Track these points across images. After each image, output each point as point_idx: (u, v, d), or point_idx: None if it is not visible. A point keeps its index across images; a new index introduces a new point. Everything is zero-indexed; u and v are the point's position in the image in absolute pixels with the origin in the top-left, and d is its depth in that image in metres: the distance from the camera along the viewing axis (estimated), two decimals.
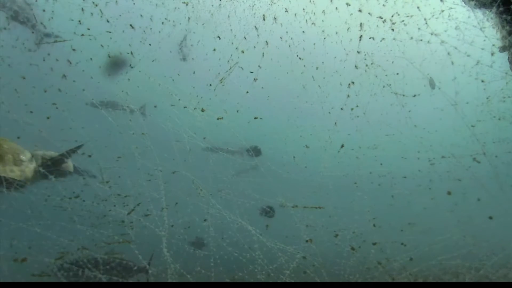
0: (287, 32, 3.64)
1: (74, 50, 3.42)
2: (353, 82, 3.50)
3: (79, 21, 3.38)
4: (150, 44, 3.80)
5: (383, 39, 3.41)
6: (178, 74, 4.18)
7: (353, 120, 3.80)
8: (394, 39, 3.38)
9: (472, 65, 3.16)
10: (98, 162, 3.61)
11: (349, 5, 3.40)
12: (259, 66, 3.59)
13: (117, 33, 3.61)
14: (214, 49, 3.90)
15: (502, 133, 3.80)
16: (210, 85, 3.85)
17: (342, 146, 4.16)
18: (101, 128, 4.07)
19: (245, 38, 3.61)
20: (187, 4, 3.66)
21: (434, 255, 4.41)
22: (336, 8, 3.50)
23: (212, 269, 3.48)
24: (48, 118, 3.54)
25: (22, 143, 3.56)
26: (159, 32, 3.71)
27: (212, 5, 3.73)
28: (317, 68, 3.84)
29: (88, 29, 3.42)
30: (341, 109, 3.72)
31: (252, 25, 3.64)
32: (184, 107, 3.74)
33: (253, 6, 3.66)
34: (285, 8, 3.57)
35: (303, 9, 3.57)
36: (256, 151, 6.06)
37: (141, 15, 3.73)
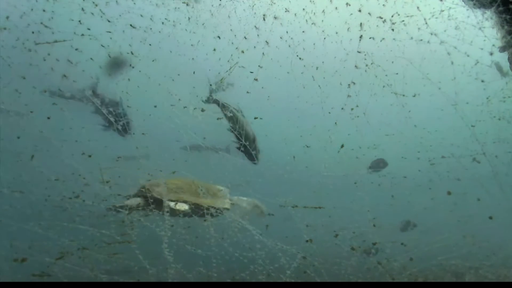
0: (287, 32, 3.64)
1: (76, 50, 3.42)
2: (353, 82, 3.50)
3: (79, 21, 3.37)
4: (150, 44, 3.80)
5: (383, 39, 3.41)
6: (178, 74, 4.17)
7: (353, 120, 3.80)
8: (394, 39, 3.38)
9: (472, 65, 3.17)
10: (98, 162, 3.61)
11: (349, 5, 3.41)
12: (259, 66, 3.59)
13: (118, 33, 3.61)
14: (214, 49, 3.90)
15: (502, 133, 3.80)
16: (210, 85, 3.85)
17: (342, 146, 4.16)
18: (101, 128, 4.06)
19: (245, 38, 3.62)
20: (187, 4, 3.66)
21: (434, 255, 4.42)
22: (336, 8, 3.51)
23: (214, 269, 3.49)
24: (48, 118, 3.53)
25: (22, 143, 3.56)
26: (159, 32, 3.71)
27: (212, 5, 3.73)
28: (317, 68, 3.84)
29: (89, 29, 3.42)
30: (342, 109, 3.72)
31: (252, 25, 3.64)
32: (184, 107, 3.73)
33: (253, 6, 3.66)
34: (285, 8, 3.57)
35: (303, 9, 3.57)
36: (383, 163, 5.92)
37: (141, 15, 3.72)
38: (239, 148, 3.86)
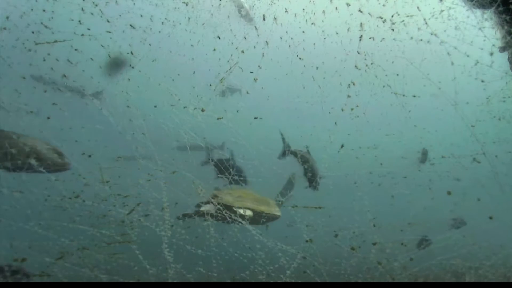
0: (287, 32, 3.64)
1: (76, 50, 3.42)
2: (353, 82, 3.50)
3: (79, 21, 3.38)
4: (150, 44, 3.80)
5: (383, 39, 3.41)
6: (178, 74, 4.17)
7: (353, 120, 3.80)
8: (394, 39, 3.38)
9: (472, 65, 3.16)
10: (98, 162, 3.61)
11: (349, 5, 3.40)
12: (259, 66, 3.59)
13: (117, 33, 3.61)
14: (214, 49, 3.90)
15: (502, 133, 3.80)
16: (210, 85, 3.85)
17: (342, 146, 4.16)
18: (101, 128, 4.07)
19: (245, 38, 3.62)
20: (187, 4, 3.66)
21: (434, 255, 4.42)
22: (336, 8, 3.51)
23: (214, 269, 3.49)
24: (48, 118, 3.53)
25: None
26: (159, 32, 3.71)
27: (212, 5, 3.74)
28: (317, 68, 3.84)
29: (88, 29, 3.42)
30: (342, 109, 3.72)
31: (252, 25, 3.64)
32: (184, 107, 3.74)
33: (253, 6, 3.66)
34: (285, 8, 3.57)
35: (303, 9, 3.57)
36: (424, 153, 5.96)
37: (141, 15, 3.73)
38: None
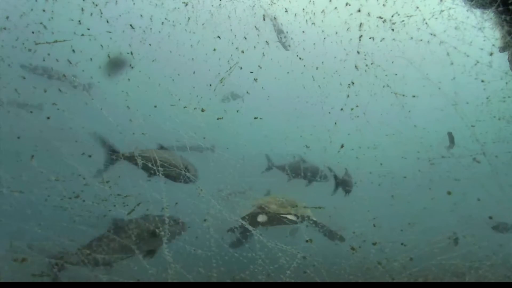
0: (287, 32, 3.64)
1: (74, 51, 3.42)
2: (353, 82, 3.50)
3: (79, 21, 3.38)
4: (150, 44, 3.80)
5: (383, 39, 3.41)
6: (178, 74, 4.18)
7: (353, 120, 3.80)
8: (394, 39, 3.38)
9: (472, 65, 3.16)
10: (98, 162, 3.61)
11: (349, 5, 3.41)
12: (259, 66, 3.59)
13: (117, 33, 3.62)
14: (214, 49, 3.90)
15: (502, 133, 3.80)
16: (210, 85, 3.85)
17: (342, 146, 4.16)
18: (101, 128, 4.07)
19: (245, 38, 3.62)
20: (186, 4, 3.66)
21: (434, 255, 4.41)
22: (336, 8, 3.51)
23: (214, 269, 3.49)
24: (48, 118, 3.53)
25: (22, 143, 3.56)
26: (159, 32, 3.72)
27: (212, 5, 3.74)
28: (317, 68, 3.84)
29: (88, 29, 3.42)
30: (341, 109, 3.72)
31: (252, 25, 3.65)
32: (184, 107, 3.74)
33: (253, 6, 3.66)
34: (285, 8, 3.57)
35: (303, 9, 3.57)
36: (451, 136, 6.03)
37: (141, 15, 3.73)
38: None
